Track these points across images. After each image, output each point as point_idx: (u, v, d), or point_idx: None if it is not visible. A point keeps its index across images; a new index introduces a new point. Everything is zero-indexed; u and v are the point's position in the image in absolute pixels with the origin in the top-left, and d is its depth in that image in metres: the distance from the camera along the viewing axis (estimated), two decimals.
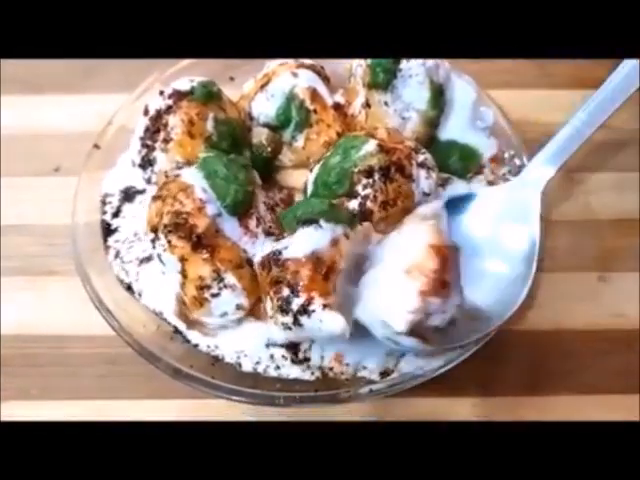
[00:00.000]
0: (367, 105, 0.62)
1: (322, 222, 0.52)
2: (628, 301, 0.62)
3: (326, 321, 0.50)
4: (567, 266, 0.64)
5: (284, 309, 0.51)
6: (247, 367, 0.54)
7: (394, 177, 0.55)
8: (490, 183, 0.64)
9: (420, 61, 0.60)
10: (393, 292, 0.50)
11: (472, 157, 0.64)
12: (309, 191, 0.59)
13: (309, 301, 0.50)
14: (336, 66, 0.67)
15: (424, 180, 0.57)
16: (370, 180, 0.54)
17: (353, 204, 0.55)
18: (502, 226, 0.58)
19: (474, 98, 0.64)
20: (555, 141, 0.59)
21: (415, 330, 0.49)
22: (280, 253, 0.52)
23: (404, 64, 0.60)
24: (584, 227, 0.66)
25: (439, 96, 0.62)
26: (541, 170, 0.59)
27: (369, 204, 0.54)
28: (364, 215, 0.54)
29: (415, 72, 0.61)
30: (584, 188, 0.69)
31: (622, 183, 0.69)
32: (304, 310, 0.50)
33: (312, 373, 0.54)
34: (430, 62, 0.61)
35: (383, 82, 0.61)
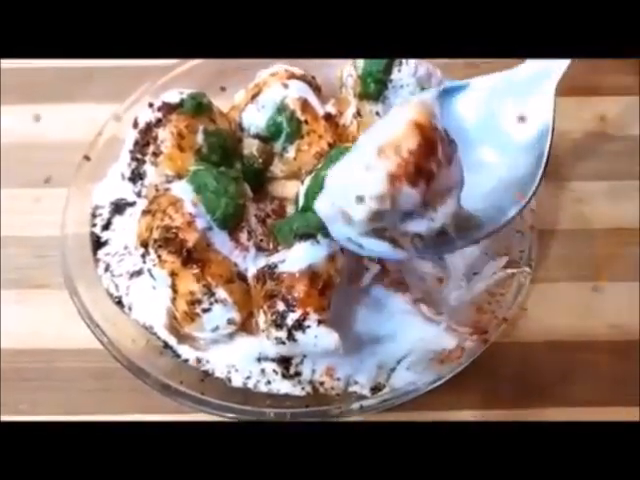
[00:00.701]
0: (359, 115, 0.62)
1: (319, 237, 0.52)
2: (623, 311, 0.61)
3: (321, 337, 0.50)
4: (561, 276, 0.63)
5: (278, 324, 0.50)
6: (237, 382, 0.54)
7: None
8: None
9: (411, 71, 0.60)
10: (358, 175, 0.40)
11: None
12: (300, 203, 0.58)
13: (304, 316, 0.49)
14: (327, 75, 0.67)
15: None
16: None
17: None
18: (506, 118, 0.47)
19: None
20: None
21: (387, 234, 0.42)
22: (276, 266, 0.52)
23: (395, 74, 0.60)
24: (577, 236, 0.66)
25: None
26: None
27: None
28: None
29: (406, 82, 0.60)
30: (577, 196, 0.68)
31: (615, 191, 0.69)
32: (299, 325, 0.50)
33: (302, 388, 0.54)
34: (421, 72, 0.61)
35: (374, 93, 0.60)
